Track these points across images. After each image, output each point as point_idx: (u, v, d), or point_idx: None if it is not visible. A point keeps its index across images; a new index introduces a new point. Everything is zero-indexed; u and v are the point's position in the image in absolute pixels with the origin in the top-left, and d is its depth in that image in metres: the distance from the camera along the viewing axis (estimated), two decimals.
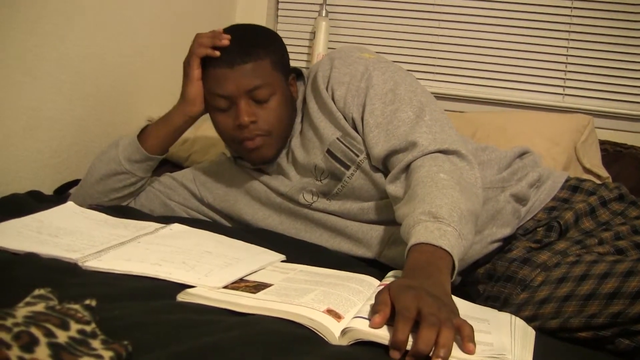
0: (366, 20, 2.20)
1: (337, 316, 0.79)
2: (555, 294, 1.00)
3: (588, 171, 1.70)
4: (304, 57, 2.26)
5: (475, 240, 1.11)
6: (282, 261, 1.07)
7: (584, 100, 2.00)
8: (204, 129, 1.78)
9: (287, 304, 0.80)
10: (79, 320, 0.64)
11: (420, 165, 1.06)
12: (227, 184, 1.34)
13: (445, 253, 0.88)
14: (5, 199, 1.27)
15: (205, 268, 0.94)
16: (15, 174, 1.41)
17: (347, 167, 1.19)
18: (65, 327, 0.62)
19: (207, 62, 1.21)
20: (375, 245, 1.19)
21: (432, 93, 1.23)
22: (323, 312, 0.78)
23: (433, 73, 2.14)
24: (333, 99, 1.20)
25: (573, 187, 1.25)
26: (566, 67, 2.02)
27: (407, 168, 1.09)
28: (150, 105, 1.82)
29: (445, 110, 1.23)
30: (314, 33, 2.20)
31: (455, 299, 0.84)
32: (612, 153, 1.81)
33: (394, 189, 1.10)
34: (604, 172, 1.70)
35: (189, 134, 1.63)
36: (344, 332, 0.75)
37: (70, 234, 1.05)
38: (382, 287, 0.88)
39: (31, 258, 0.91)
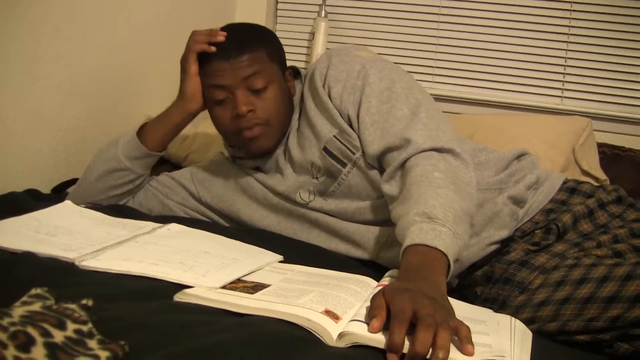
0: (365, 22, 2.20)
1: (335, 317, 0.78)
2: (554, 297, 1.00)
3: (586, 174, 1.70)
4: (303, 58, 2.26)
5: (472, 243, 1.11)
6: (280, 262, 1.07)
7: (582, 103, 2.00)
8: (203, 128, 1.78)
9: (285, 305, 0.80)
10: (75, 320, 0.64)
11: (415, 164, 1.06)
12: (225, 183, 1.34)
13: (441, 253, 0.88)
14: (3, 197, 1.26)
15: (203, 268, 0.94)
16: (14, 172, 1.41)
17: (344, 165, 1.19)
18: (61, 326, 0.62)
19: (203, 58, 1.22)
20: (372, 246, 1.18)
21: (431, 95, 1.23)
22: (321, 313, 0.78)
23: (432, 74, 2.14)
24: (330, 97, 1.20)
25: (571, 189, 1.25)
26: (565, 69, 2.02)
27: (402, 166, 1.09)
28: (149, 104, 1.82)
29: (444, 112, 1.23)
30: (313, 34, 2.20)
31: (452, 300, 0.84)
32: (610, 156, 1.81)
33: (389, 188, 1.09)
34: (601, 175, 1.70)
35: (187, 131, 1.62)
36: (340, 335, 0.75)
37: (68, 233, 1.04)
38: (380, 287, 0.88)
39: (28, 257, 0.91)
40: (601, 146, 1.82)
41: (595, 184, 1.45)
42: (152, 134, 1.29)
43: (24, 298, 0.67)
